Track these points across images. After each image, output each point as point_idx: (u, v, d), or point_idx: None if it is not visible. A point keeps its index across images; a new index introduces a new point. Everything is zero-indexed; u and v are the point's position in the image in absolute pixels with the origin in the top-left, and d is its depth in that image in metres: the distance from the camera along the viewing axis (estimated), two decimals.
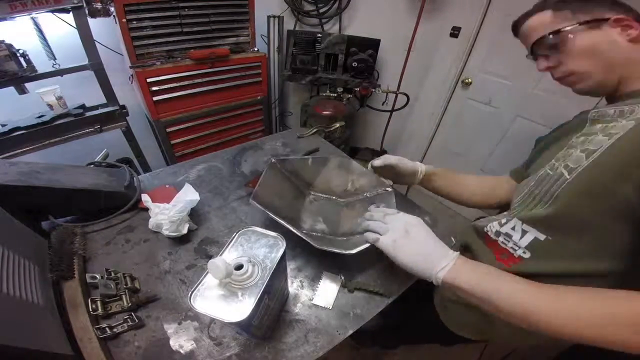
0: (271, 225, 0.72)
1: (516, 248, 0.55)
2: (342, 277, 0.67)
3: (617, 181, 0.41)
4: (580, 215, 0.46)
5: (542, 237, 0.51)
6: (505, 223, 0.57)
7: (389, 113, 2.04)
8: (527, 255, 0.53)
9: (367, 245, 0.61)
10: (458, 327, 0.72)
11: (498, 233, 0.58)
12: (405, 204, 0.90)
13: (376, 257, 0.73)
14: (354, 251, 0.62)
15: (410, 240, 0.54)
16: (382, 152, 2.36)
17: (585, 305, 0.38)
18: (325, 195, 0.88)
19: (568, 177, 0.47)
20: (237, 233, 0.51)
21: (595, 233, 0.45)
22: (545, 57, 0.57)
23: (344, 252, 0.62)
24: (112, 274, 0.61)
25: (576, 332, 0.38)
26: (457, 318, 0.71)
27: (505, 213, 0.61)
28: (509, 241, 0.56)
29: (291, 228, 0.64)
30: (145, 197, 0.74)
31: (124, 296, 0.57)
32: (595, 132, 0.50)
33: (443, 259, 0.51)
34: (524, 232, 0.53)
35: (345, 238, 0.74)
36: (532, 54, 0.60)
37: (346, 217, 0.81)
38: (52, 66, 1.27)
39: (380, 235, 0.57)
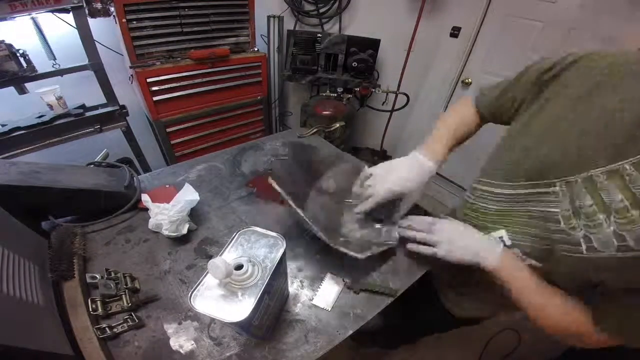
0: (273, 224, 0.72)
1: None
2: (346, 281, 0.67)
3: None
4: (579, 279, 0.47)
5: (538, 265, 0.54)
6: (507, 247, 0.58)
7: (389, 113, 2.04)
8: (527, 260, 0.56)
9: (380, 249, 0.67)
10: (465, 311, 0.79)
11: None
12: None
13: (376, 257, 0.73)
14: (363, 255, 0.62)
15: (460, 248, 0.59)
16: (382, 152, 2.36)
17: (555, 311, 0.51)
18: (330, 193, 0.87)
19: (585, 253, 0.42)
20: (237, 233, 0.51)
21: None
22: None
23: (357, 255, 0.62)
24: (112, 274, 0.61)
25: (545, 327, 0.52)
26: (466, 304, 0.78)
27: (501, 234, 0.58)
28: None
29: (308, 220, 0.61)
30: (145, 197, 0.74)
31: (124, 296, 0.57)
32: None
33: (490, 254, 0.55)
34: (522, 259, 0.56)
35: (344, 239, 0.73)
36: None
37: (347, 219, 0.80)
38: (52, 66, 1.27)
39: (432, 246, 0.62)
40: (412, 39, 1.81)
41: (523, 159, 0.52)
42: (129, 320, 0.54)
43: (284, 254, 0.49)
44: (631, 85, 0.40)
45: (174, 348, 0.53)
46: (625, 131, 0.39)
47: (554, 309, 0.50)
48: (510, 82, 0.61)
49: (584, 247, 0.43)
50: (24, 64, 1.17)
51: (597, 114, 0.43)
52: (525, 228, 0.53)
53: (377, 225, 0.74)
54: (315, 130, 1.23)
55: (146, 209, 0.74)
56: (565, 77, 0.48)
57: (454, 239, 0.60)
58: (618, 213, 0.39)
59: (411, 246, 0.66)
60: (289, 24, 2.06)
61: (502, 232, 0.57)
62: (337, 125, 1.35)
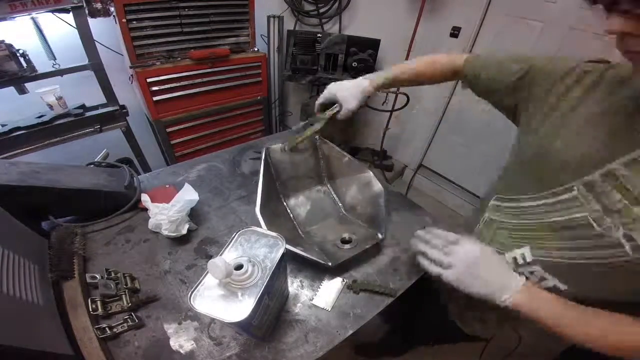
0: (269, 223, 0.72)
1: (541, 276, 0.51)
2: (345, 280, 0.67)
3: None
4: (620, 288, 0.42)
5: (562, 287, 0.48)
6: (524, 265, 0.52)
7: (389, 113, 2.04)
8: (562, 285, 0.50)
9: (353, 254, 0.67)
10: (474, 330, 0.72)
11: (514, 268, 0.54)
12: (406, 204, 0.90)
13: (376, 257, 0.73)
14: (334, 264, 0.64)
15: (474, 278, 0.51)
16: (382, 151, 2.36)
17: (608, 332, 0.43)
18: (333, 195, 0.88)
19: (631, 254, 0.38)
20: (237, 233, 0.51)
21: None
22: (628, 16, 0.32)
23: (328, 264, 0.64)
24: (112, 274, 0.61)
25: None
26: (476, 326, 0.71)
27: (524, 251, 0.52)
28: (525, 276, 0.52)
29: (302, 253, 0.63)
30: (144, 197, 0.74)
31: (124, 296, 0.57)
32: None
33: (506, 290, 0.48)
34: (542, 279, 0.50)
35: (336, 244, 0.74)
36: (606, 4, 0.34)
37: (339, 227, 0.81)
38: (52, 66, 1.27)
39: (442, 267, 0.54)
40: (412, 39, 1.81)
41: (536, 168, 0.50)
42: (129, 320, 0.54)
43: (283, 253, 0.49)
44: None
45: (174, 348, 0.53)
46: None
47: (616, 327, 0.43)
48: (517, 71, 0.56)
49: (627, 247, 0.38)
50: (24, 64, 1.17)
51: (608, 106, 0.42)
52: (550, 242, 0.48)
53: (346, 246, 0.73)
54: (309, 131, 0.84)
55: (146, 209, 0.74)
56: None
57: (470, 266, 0.51)
58: None
59: (422, 262, 0.58)
60: (289, 24, 2.06)
61: (524, 250, 0.52)
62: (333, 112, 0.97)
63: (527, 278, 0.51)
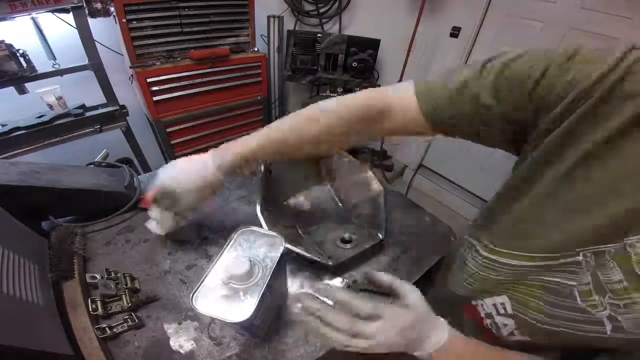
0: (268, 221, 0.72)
1: (499, 336, 0.47)
2: (345, 280, 0.67)
3: None
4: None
5: (529, 339, 0.44)
6: (502, 315, 0.45)
7: None
8: (509, 342, 0.46)
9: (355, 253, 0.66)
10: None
11: (489, 315, 0.48)
12: (406, 204, 0.90)
13: (376, 257, 0.73)
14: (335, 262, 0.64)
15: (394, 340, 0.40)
16: (383, 151, 2.36)
17: None
18: (333, 195, 0.88)
19: (609, 333, 0.34)
20: (236, 232, 0.51)
21: None
22: None
23: (328, 262, 0.63)
24: (112, 274, 0.61)
25: None
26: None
27: (503, 300, 0.44)
28: (494, 328, 0.47)
29: (305, 253, 0.63)
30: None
31: (124, 296, 0.57)
32: None
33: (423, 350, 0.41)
34: (512, 333, 0.45)
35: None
36: None
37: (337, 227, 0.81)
38: (52, 66, 1.27)
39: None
40: (412, 39, 1.81)
41: (541, 229, 0.38)
42: (129, 320, 0.54)
43: (283, 252, 0.49)
44: None
45: (174, 348, 0.53)
46: None
47: None
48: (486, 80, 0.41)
49: (608, 327, 0.34)
50: (24, 64, 1.18)
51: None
52: (533, 300, 0.41)
53: (347, 246, 0.73)
54: None
55: (146, 209, 0.74)
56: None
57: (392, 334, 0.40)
58: None
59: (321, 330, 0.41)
60: (289, 24, 2.06)
61: (505, 299, 0.44)
62: None
63: (490, 328, 0.47)
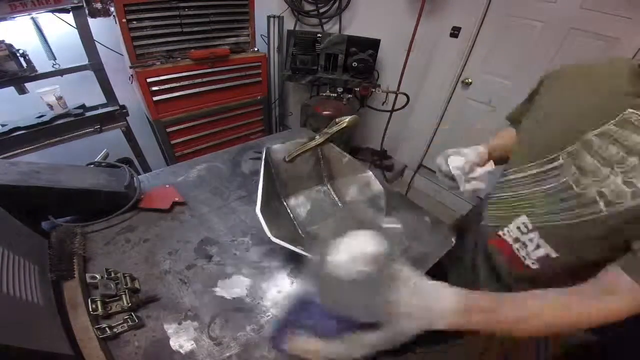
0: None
1: (526, 257, 0.55)
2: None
3: None
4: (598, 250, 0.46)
5: (554, 254, 0.51)
6: (527, 232, 0.55)
7: (389, 113, 2.04)
8: (536, 266, 0.54)
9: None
10: None
11: (517, 240, 0.57)
12: (406, 204, 0.90)
13: None
14: None
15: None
16: (383, 151, 2.36)
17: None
18: (333, 195, 0.88)
19: (604, 209, 0.43)
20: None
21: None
22: None
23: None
24: (112, 274, 0.61)
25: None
26: None
27: (523, 219, 0.55)
28: (523, 249, 0.56)
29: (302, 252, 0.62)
30: None
31: (124, 296, 0.57)
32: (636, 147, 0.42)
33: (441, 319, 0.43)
34: (537, 246, 0.53)
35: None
36: None
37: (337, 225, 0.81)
38: (52, 66, 1.27)
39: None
40: (412, 39, 1.81)
41: (529, 144, 0.57)
42: (129, 320, 0.54)
43: None
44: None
45: (174, 348, 0.53)
46: (607, 97, 0.47)
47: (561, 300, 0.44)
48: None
49: (601, 203, 0.44)
50: (24, 64, 1.18)
51: (583, 93, 0.51)
52: (544, 207, 0.52)
53: None
54: (304, 149, 0.86)
55: (146, 209, 0.74)
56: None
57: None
58: (618, 163, 0.43)
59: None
60: (289, 24, 2.06)
61: (524, 218, 0.55)
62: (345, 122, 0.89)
63: (525, 246, 0.55)
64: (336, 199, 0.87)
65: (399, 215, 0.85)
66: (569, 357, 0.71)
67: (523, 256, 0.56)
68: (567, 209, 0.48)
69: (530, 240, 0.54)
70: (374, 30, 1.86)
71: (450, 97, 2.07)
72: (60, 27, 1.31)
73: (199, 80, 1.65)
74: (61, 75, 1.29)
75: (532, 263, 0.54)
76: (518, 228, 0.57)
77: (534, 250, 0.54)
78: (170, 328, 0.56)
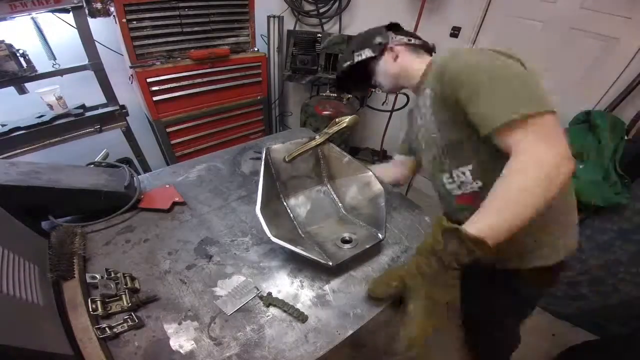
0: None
1: (472, 184, 0.70)
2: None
3: (448, 104, 0.63)
4: (458, 138, 0.67)
5: (470, 167, 0.68)
6: (459, 176, 0.72)
7: (389, 113, 2.04)
8: (480, 183, 0.69)
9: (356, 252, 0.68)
10: None
11: (460, 185, 0.73)
12: (406, 204, 0.90)
13: (376, 257, 0.73)
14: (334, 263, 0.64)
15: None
16: (382, 152, 2.36)
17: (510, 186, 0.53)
18: (333, 195, 0.88)
19: (436, 133, 0.71)
20: None
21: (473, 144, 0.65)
22: None
23: (329, 263, 0.64)
24: (112, 274, 0.61)
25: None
26: None
27: (446, 178, 0.75)
28: (467, 185, 0.71)
29: (303, 252, 0.63)
30: None
31: (124, 296, 0.57)
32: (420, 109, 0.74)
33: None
34: (462, 173, 0.70)
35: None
36: None
37: (337, 226, 0.81)
38: (52, 66, 1.28)
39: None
40: None
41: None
42: (129, 320, 0.54)
43: None
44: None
45: (174, 348, 0.53)
46: None
47: (510, 185, 0.52)
48: None
49: (434, 132, 0.71)
50: (24, 64, 1.18)
51: None
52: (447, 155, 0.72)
53: (347, 246, 0.72)
54: (305, 149, 0.86)
55: (146, 209, 0.74)
56: None
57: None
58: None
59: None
60: (289, 24, 2.06)
61: (464, 168, 0.70)
62: (345, 122, 0.90)
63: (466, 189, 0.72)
64: (336, 199, 0.87)
65: (399, 215, 0.85)
66: (570, 357, 0.71)
67: (471, 187, 0.71)
68: (433, 147, 0.74)
69: (459, 175, 0.72)
70: None
71: None
72: (60, 27, 1.31)
73: (199, 80, 1.66)
74: (61, 75, 1.29)
75: (477, 183, 0.69)
76: (463, 173, 0.72)
77: (465, 174, 0.71)
78: (170, 328, 0.56)
